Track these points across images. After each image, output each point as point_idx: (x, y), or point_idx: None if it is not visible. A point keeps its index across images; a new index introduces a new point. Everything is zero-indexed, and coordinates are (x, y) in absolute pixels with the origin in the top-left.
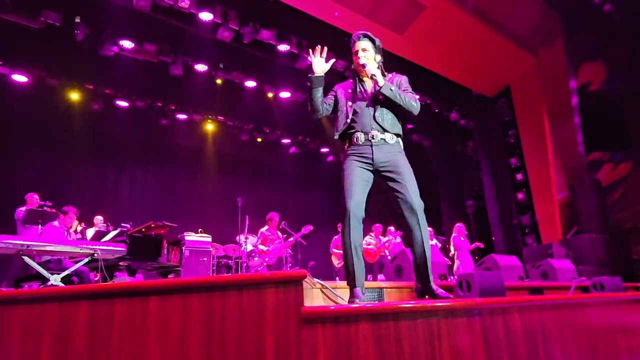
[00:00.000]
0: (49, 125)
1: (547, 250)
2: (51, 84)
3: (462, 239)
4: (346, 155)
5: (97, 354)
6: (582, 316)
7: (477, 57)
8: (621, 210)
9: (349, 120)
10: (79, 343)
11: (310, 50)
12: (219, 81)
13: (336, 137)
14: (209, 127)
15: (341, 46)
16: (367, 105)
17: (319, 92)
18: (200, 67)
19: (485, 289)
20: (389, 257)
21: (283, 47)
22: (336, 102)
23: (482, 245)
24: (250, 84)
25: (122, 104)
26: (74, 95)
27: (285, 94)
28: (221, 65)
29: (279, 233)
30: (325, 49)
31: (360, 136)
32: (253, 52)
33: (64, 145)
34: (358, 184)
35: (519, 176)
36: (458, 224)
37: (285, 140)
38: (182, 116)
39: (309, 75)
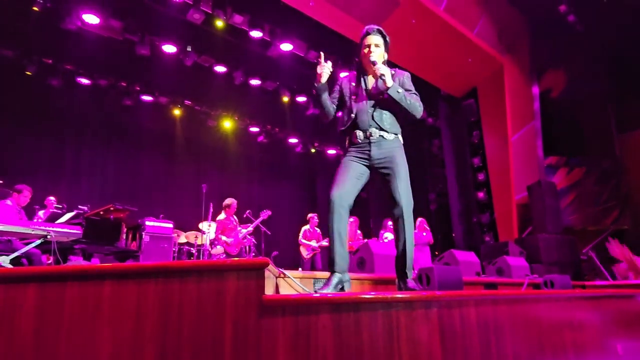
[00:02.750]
0: (2, 99)
1: (503, 248)
2: (6, 55)
3: (423, 234)
4: (346, 152)
5: (45, 337)
6: (533, 311)
7: (447, 58)
8: (573, 213)
9: (353, 116)
10: (25, 327)
11: (321, 58)
12: (188, 63)
13: (341, 129)
14: (175, 110)
15: (315, 37)
16: (367, 104)
17: (326, 96)
18: (169, 48)
19: (444, 283)
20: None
21: (255, 34)
22: (341, 96)
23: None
24: (220, 69)
25: (84, 81)
26: (31, 69)
27: (255, 82)
28: (190, 48)
29: (237, 220)
30: (324, 57)
31: (360, 134)
32: (224, 36)
33: (18, 122)
34: (348, 175)
35: (481, 176)
36: (419, 219)
37: (254, 129)
38: (147, 98)
39: (316, 85)
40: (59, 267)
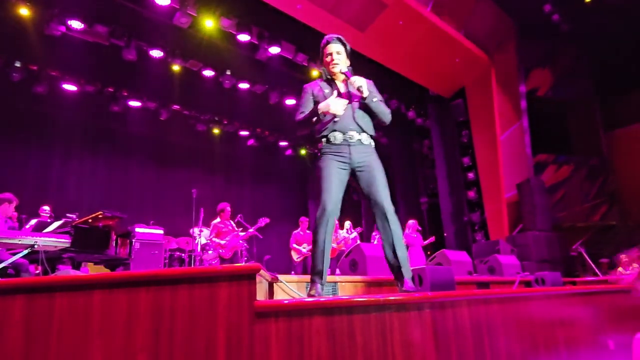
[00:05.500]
0: None
1: (495, 246)
2: None
3: (414, 235)
4: (322, 153)
5: (34, 350)
6: (525, 309)
7: (435, 58)
8: (562, 210)
9: (337, 120)
10: (13, 338)
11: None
12: (175, 68)
13: (323, 134)
14: (164, 115)
15: (302, 39)
16: (348, 107)
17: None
18: (156, 53)
19: (436, 283)
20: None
21: (243, 37)
22: (316, 103)
23: (433, 239)
24: (208, 73)
25: (70, 87)
26: (16, 76)
27: (244, 85)
28: (177, 52)
29: (234, 224)
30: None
31: (338, 135)
32: (212, 40)
33: (3, 129)
34: (336, 184)
35: (471, 175)
36: (410, 221)
37: (244, 132)
38: (135, 103)
39: (321, 116)
40: (47, 278)
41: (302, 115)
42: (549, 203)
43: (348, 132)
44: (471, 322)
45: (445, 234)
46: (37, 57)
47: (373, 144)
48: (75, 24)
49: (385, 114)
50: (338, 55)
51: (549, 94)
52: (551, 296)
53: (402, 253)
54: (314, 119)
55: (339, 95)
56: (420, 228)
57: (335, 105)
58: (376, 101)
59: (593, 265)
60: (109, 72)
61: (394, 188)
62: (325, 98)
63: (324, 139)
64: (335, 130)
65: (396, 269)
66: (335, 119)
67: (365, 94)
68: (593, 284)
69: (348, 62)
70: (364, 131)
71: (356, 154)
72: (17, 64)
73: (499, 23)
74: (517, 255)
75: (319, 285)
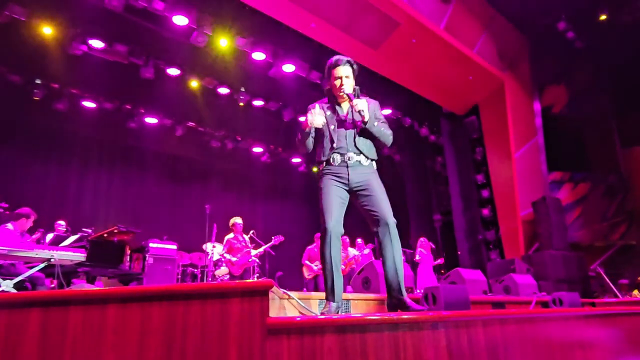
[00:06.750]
0: (9, 124)
1: (510, 265)
2: (13, 81)
3: (424, 252)
4: (322, 174)
5: None
6: (542, 330)
7: (448, 76)
8: (580, 229)
9: (335, 145)
10: (29, 352)
11: (315, 109)
12: (194, 84)
13: (322, 159)
14: (179, 132)
15: (316, 58)
16: (346, 130)
17: (311, 139)
18: (173, 71)
19: (451, 302)
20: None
21: (258, 55)
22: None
23: (442, 261)
24: (224, 90)
25: (89, 105)
26: (38, 94)
27: (258, 102)
28: (194, 71)
29: (247, 240)
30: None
31: (337, 157)
32: (227, 58)
33: (24, 145)
34: (336, 203)
35: (485, 193)
36: (421, 239)
37: (257, 149)
38: (151, 120)
39: (305, 130)
40: (62, 292)
41: (299, 135)
42: (566, 222)
43: (347, 153)
44: (486, 343)
45: (459, 252)
46: (59, 75)
47: (374, 165)
48: (96, 43)
49: (386, 136)
50: (347, 80)
51: (564, 111)
52: (569, 317)
53: (401, 271)
54: (302, 136)
55: (342, 119)
56: (433, 246)
57: (311, 117)
58: (377, 126)
59: (612, 286)
60: (127, 90)
61: (406, 205)
62: (328, 120)
63: (324, 161)
64: (334, 153)
65: (396, 286)
66: (334, 144)
67: (367, 118)
68: (614, 305)
69: (353, 83)
70: (362, 154)
71: (354, 174)
72: (39, 82)
73: (512, 40)
74: (533, 274)
75: (331, 304)
